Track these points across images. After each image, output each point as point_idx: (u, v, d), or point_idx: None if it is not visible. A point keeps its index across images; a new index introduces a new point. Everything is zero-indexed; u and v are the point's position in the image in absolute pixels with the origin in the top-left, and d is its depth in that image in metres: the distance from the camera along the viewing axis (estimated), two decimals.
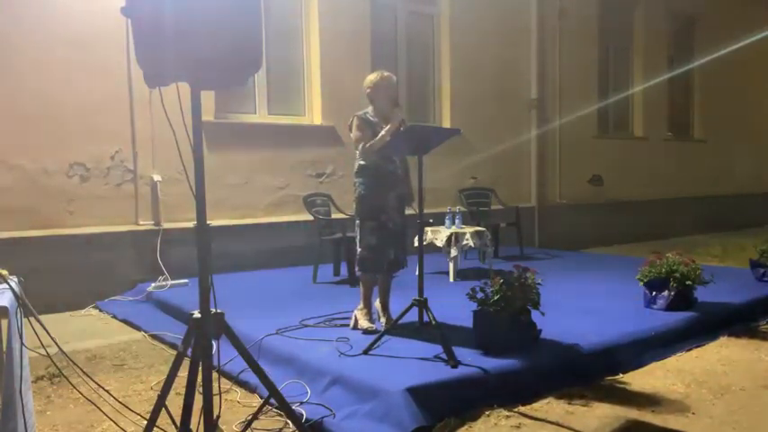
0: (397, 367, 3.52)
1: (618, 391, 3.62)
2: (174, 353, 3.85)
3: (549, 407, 3.36)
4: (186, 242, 6.23)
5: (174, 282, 6.05)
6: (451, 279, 6.31)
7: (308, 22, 7.57)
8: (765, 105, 13.27)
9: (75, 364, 3.18)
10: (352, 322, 4.40)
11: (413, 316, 4.10)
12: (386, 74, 4.30)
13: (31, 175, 5.84)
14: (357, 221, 4.31)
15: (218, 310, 2.46)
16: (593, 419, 3.20)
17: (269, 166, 7.19)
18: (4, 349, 2.30)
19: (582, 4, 10.00)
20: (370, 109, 4.32)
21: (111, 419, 2.89)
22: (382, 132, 4.12)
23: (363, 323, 4.31)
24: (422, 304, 3.95)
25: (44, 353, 2.38)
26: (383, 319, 4.36)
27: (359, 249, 4.30)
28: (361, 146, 4.21)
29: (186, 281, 6.10)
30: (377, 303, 4.47)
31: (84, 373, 3.09)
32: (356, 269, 4.41)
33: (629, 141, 11.06)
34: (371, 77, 4.32)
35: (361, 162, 4.24)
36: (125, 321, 5.33)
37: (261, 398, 3.41)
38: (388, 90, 4.25)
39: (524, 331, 3.84)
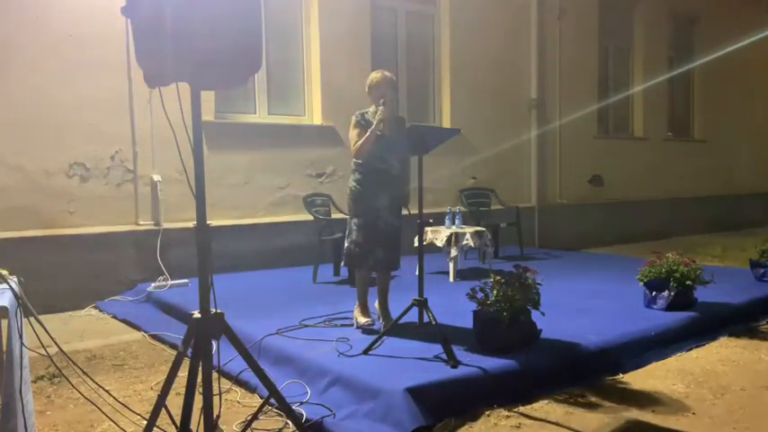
0: (397, 367, 3.52)
1: (618, 391, 3.62)
2: (174, 353, 3.86)
3: (549, 407, 3.36)
4: (186, 242, 6.22)
5: (174, 282, 6.05)
6: (451, 279, 6.31)
7: (307, 22, 7.57)
8: (765, 105, 13.26)
9: (75, 364, 3.18)
10: (354, 322, 4.42)
11: (413, 316, 4.10)
12: (383, 73, 4.30)
13: (31, 175, 5.84)
14: (348, 217, 4.39)
15: (218, 310, 2.46)
16: (593, 419, 3.20)
17: (269, 166, 7.19)
18: (4, 349, 2.30)
19: (582, 4, 9.99)
20: (371, 108, 4.33)
21: (111, 419, 2.89)
22: (367, 134, 4.17)
23: (360, 319, 4.35)
24: (422, 304, 3.94)
25: (44, 353, 2.38)
26: (382, 320, 4.36)
27: (345, 243, 4.37)
28: (352, 145, 4.29)
29: (186, 281, 6.10)
30: (375, 305, 4.47)
31: (84, 373, 3.09)
32: (342, 262, 4.46)
33: (629, 141, 11.06)
34: (371, 77, 4.34)
35: (355, 160, 4.31)
36: (125, 321, 5.33)
37: (261, 398, 3.41)
38: (384, 90, 4.25)
39: (524, 331, 3.84)
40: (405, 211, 4.39)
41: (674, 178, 11.44)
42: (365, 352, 3.75)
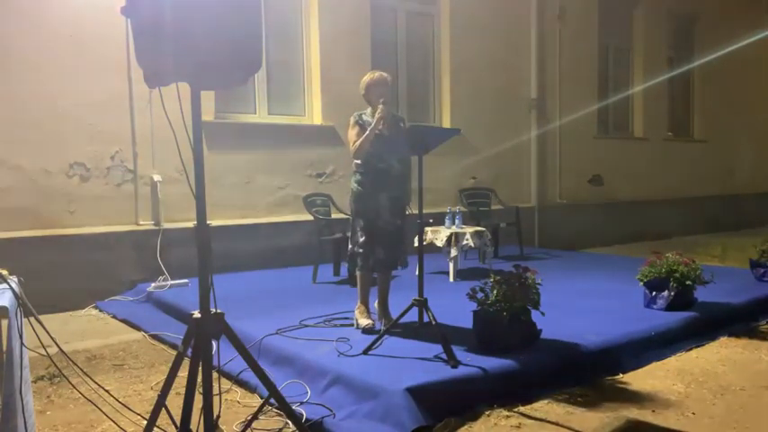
0: (397, 367, 3.52)
1: (618, 391, 3.62)
2: (174, 353, 3.86)
3: (549, 407, 3.36)
4: (186, 242, 6.23)
5: (174, 282, 6.05)
6: (451, 279, 6.31)
7: (307, 22, 7.57)
8: (765, 105, 13.26)
9: (75, 364, 3.18)
10: (355, 323, 4.42)
11: (413, 316, 4.10)
12: (378, 74, 4.30)
13: (31, 175, 5.84)
14: (351, 218, 4.39)
15: (218, 310, 2.46)
16: (593, 419, 3.20)
17: (269, 166, 7.19)
18: (4, 349, 2.29)
19: (582, 4, 9.99)
20: (368, 110, 4.33)
21: (112, 419, 2.89)
22: (366, 132, 4.16)
23: (362, 321, 4.33)
24: (422, 304, 3.95)
25: (44, 353, 2.38)
26: (383, 320, 4.36)
27: (349, 245, 4.38)
28: (351, 145, 4.29)
29: (186, 281, 6.10)
30: (375, 304, 4.47)
31: (84, 373, 3.09)
32: (347, 265, 4.46)
33: (629, 141, 11.06)
34: (364, 78, 4.34)
35: (355, 161, 4.31)
36: (125, 321, 5.33)
37: (261, 398, 3.41)
38: (382, 90, 4.25)
39: (524, 331, 3.84)
40: (407, 211, 4.40)
41: (674, 178, 11.44)
42: (365, 352, 3.75)
